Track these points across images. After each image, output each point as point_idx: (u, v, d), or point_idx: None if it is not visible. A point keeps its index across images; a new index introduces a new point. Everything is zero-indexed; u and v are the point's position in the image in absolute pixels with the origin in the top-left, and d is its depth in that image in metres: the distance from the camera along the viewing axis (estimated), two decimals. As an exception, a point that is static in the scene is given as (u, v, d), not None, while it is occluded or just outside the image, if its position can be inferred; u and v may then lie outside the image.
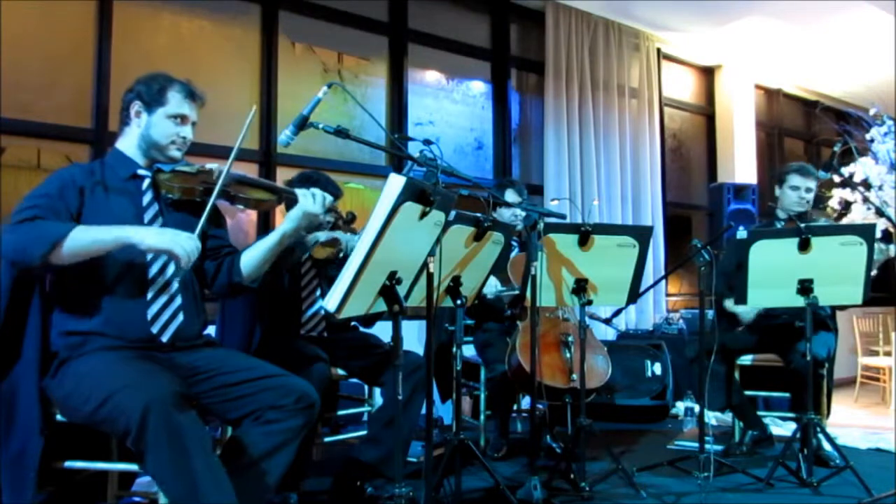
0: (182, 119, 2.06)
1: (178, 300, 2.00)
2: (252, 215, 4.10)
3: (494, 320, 3.55)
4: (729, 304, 3.36)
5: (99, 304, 1.91)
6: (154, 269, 1.98)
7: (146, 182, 2.06)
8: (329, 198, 2.12)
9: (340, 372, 2.84)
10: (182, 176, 2.02)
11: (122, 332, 1.91)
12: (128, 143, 2.07)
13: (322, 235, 2.60)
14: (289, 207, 2.12)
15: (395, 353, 1.97)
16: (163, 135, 2.04)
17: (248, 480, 1.86)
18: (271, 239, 2.10)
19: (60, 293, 1.95)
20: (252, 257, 2.12)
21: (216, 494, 1.67)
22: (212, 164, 2.05)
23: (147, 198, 2.05)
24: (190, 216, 2.06)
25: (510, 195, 3.58)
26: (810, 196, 3.45)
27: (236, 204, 2.08)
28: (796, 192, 3.44)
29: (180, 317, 2.00)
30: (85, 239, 1.80)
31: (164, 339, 1.96)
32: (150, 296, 1.97)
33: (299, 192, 2.08)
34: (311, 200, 2.06)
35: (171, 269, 1.99)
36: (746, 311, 3.35)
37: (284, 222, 2.09)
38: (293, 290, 2.85)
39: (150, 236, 1.84)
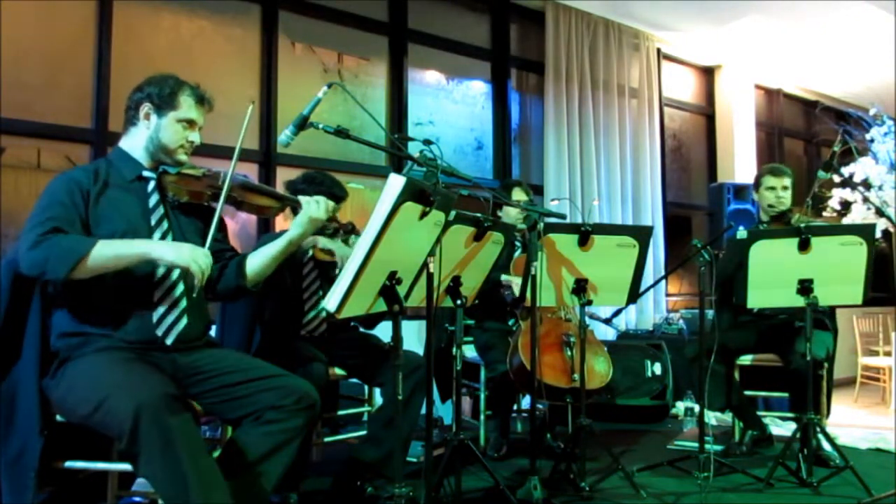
0: (191, 124, 2.06)
1: (183, 303, 2.00)
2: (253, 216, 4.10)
3: (495, 319, 3.55)
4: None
5: (103, 306, 1.91)
6: (160, 272, 1.97)
7: (152, 184, 2.05)
8: (332, 204, 2.14)
9: (340, 371, 2.84)
10: (188, 179, 2.02)
11: (125, 334, 1.90)
12: (133, 144, 2.06)
13: (322, 240, 2.61)
14: (294, 213, 2.14)
15: (395, 353, 1.97)
16: (172, 139, 2.03)
17: (248, 480, 1.86)
18: (278, 245, 2.10)
19: (64, 294, 1.93)
20: (258, 262, 2.12)
21: (208, 497, 1.66)
22: (217, 168, 2.06)
23: (153, 200, 2.04)
24: (197, 220, 2.10)
25: (518, 193, 3.58)
26: (787, 194, 3.50)
27: (242, 209, 2.10)
28: (773, 192, 3.50)
29: (184, 320, 1.99)
30: (107, 254, 1.80)
31: (169, 341, 1.96)
32: (156, 297, 1.96)
33: (303, 199, 2.10)
34: (315, 206, 2.07)
35: (176, 272, 1.98)
36: None
37: (292, 228, 2.10)
38: (295, 291, 2.85)
39: (170, 252, 1.84)
